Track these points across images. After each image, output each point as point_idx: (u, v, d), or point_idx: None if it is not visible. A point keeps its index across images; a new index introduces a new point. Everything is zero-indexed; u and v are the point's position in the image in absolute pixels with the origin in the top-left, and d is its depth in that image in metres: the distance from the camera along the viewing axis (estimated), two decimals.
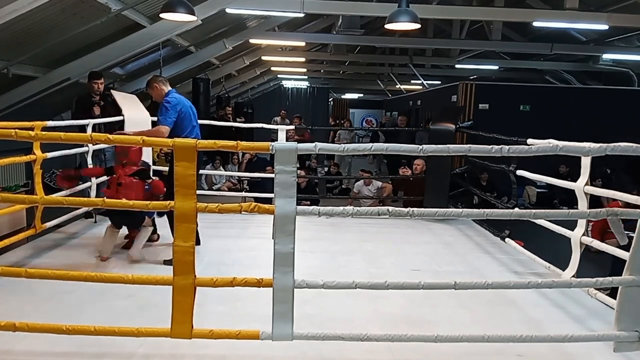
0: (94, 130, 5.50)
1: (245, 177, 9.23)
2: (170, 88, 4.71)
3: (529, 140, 4.72)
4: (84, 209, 5.57)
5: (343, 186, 11.06)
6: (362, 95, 27.72)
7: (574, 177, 4.14)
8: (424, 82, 16.40)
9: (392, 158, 9.93)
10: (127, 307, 3.48)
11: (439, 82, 17.25)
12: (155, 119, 6.62)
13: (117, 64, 9.20)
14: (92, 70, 7.19)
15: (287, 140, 8.07)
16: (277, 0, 8.22)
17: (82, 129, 5.33)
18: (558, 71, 15.94)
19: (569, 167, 8.99)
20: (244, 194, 8.04)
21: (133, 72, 10.90)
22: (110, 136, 2.73)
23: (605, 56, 13.10)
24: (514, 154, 2.62)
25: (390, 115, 13.56)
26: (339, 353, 2.98)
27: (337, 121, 20.97)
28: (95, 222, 5.84)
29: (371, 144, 2.73)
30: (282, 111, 14.82)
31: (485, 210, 2.76)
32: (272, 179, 2.52)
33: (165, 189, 4.52)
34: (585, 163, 4.01)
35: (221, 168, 9.78)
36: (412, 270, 4.57)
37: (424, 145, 2.59)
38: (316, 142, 2.56)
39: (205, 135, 4.73)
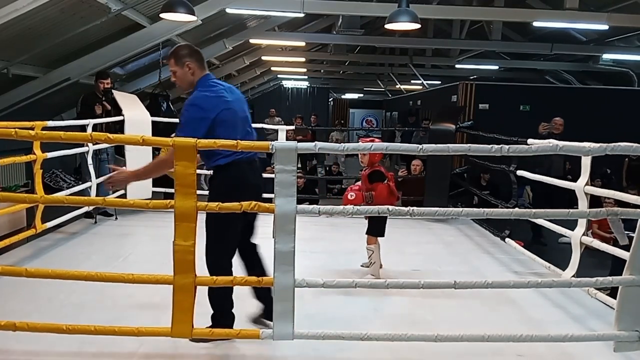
0: (96, 130, 5.51)
1: None
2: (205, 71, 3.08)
3: (529, 141, 4.72)
4: (84, 209, 5.57)
5: (342, 186, 11.07)
6: (362, 95, 27.72)
7: (576, 175, 4.13)
8: (424, 82, 16.40)
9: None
10: (127, 306, 3.48)
11: (439, 82, 17.24)
12: (155, 119, 6.70)
13: (117, 64, 9.18)
14: (99, 70, 7.22)
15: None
16: (277, 0, 8.22)
17: (83, 129, 5.33)
18: (558, 71, 15.93)
19: (571, 164, 8.96)
20: None
21: (133, 72, 10.89)
22: (110, 136, 2.73)
23: (605, 56, 13.08)
24: (514, 154, 2.62)
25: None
26: (339, 353, 2.98)
27: (337, 121, 21.05)
28: (95, 222, 5.84)
29: (370, 144, 2.73)
30: (271, 110, 14.58)
31: (485, 210, 2.76)
32: (272, 179, 2.52)
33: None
34: (586, 163, 4.01)
35: None
36: (412, 270, 4.57)
37: (424, 145, 2.59)
38: (316, 142, 2.56)
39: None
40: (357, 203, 4.22)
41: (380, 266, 4.49)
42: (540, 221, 4.91)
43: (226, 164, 2.91)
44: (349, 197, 4.32)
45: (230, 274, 2.89)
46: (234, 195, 2.64)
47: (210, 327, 2.88)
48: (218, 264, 2.92)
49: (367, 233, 4.32)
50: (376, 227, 4.27)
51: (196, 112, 2.86)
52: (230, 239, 2.97)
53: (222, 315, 2.99)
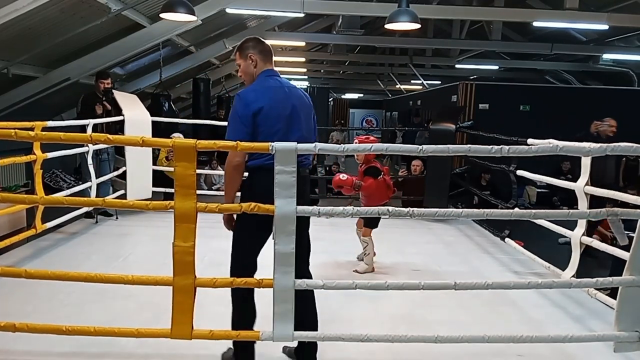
0: (96, 130, 5.51)
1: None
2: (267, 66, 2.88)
3: (529, 140, 4.72)
4: (84, 209, 5.57)
5: None
6: (362, 95, 27.72)
7: (575, 174, 4.13)
8: (424, 82, 16.39)
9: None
10: (127, 307, 3.48)
11: (439, 82, 17.23)
12: (156, 119, 6.71)
13: (117, 64, 9.19)
14: (99, 70, 7.23)
15: None
16: (277, 0, 8.22)
17: (83, 129, 5.34)
18: (558, 71, 15.92)
19: (571, 164, 8.99)
20: None
21: (133, 72, 10.90)
22: (110, 136, 2.73)
23: (605, 56, 13.08)
24: (514, 154, 2.61)
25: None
26: (339, 353, 2.98)
27: (337, 121, 21.09)
28: (96, 222, 5.85)
29: (370, 145, 2.73)
30: None
31: (485, 210, 2.75)
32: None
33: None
34: (586, 163, 4.01)
35: (219, 168, 9.77)
36: (412, 270, 4.57)
37: (424, 146, 2.58)
38: (316, 143, 2.56)
39: (205, 135, 4.63)
40: (348, 184, 4.41)
41: (373, 269, 4.63)
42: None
43: (254, 167, 2.78)
44: (340, 177, 4.48)
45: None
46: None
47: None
48: (235, 267, 2.87)
49: (364, 225, 4.58)
50: (371, 219, 4.54)
51: (237, 108, 2.71)
52: (246, 245, 2.88)
53: (240, 316, 2.86)
